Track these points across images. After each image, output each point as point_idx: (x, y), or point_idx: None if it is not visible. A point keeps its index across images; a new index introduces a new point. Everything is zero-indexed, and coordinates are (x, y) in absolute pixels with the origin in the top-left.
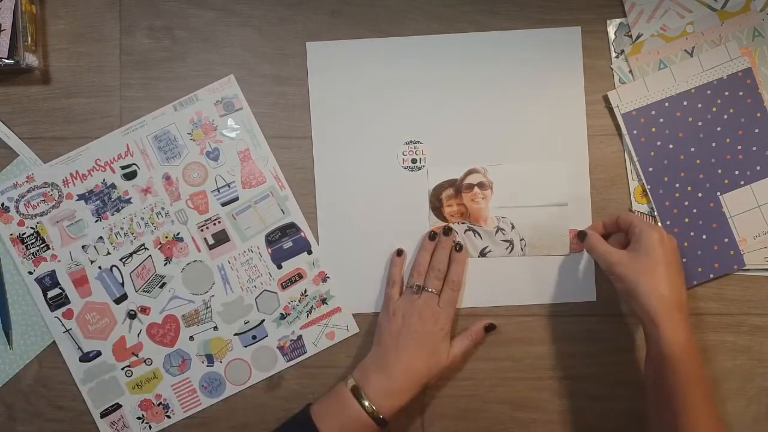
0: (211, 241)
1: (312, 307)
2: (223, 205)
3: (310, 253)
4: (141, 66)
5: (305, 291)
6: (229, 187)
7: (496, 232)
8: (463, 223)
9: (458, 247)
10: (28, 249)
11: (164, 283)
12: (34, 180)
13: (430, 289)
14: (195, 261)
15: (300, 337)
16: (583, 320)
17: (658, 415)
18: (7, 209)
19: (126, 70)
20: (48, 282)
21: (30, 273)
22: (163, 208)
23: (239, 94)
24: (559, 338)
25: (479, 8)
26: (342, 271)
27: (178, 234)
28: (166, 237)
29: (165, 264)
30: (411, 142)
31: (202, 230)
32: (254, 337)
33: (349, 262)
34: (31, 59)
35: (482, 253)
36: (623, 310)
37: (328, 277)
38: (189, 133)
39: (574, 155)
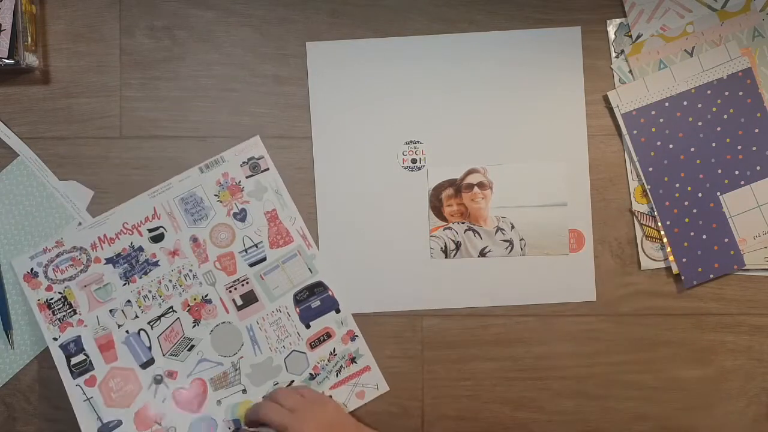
0: (239, 302)
1: (341, 366)
2: (251, 265)
3: (338, 311)
4: (141, 66)
5: (334, 350)
6: (256, 247)
7: (496, 232)
8: (462, 223)
9: None
10: (54, 315)
11: (192, 346)
12: (63, 244)
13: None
14: (224, 322)
15: (330, 397)
16: (583, 320)
17: None
18: (36, 275)
19: (126, 70)
20: (72, 348)
21: (55, 339)
22: (191, 270)
23: (266, 155)
24: (559, 338)
25: (479, 8)
26: (341, 270)
27: (207, 296)
28: (195, 299)
29: (194, 326)
30: (411, 142)
31: (230, 291)
32: None
33: (349, 261)
34: (31, 59)
35: (482, 253)
36: (623, 310)
37: (357, 336)
38: (216, 195)
39: (574, 155)
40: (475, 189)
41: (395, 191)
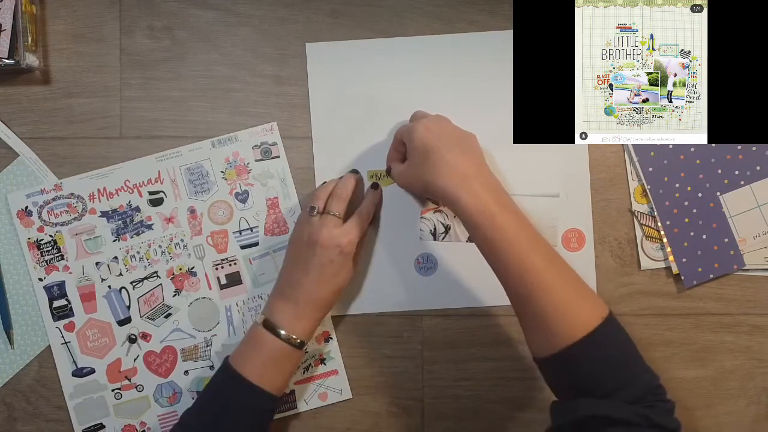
0: (223, 281)
1: (310, 364)
2: (243, 247)
3: None
4: (141, 66)
5: (306, 348)
6: (251, 231)
7: None
8: None
9: (374, 186)
10: (42, 255)
11: (169, 314)
12: (61, 189)
13: (333, 213)
14: (204, 298)
15: (292, 392)
16: None
17: (512, 302)
18: (30, 213)
19: (126, 70)
20: (56, 292)
21: (40, 280)
22: (182, 240)
23: (279, 143)
24: None
25: (479, 8)
26: None
27: (193, 268)
28: (180, 269)
29: (174, 295)
30: None
31: (216, 268)
32: None
33: None
34: (31, 59)
35: (471, 239)
36: (623, 310)
37: (331, 338)
38: (222, 171)
39: (574, 155)
40: None
41: (395, 191)
